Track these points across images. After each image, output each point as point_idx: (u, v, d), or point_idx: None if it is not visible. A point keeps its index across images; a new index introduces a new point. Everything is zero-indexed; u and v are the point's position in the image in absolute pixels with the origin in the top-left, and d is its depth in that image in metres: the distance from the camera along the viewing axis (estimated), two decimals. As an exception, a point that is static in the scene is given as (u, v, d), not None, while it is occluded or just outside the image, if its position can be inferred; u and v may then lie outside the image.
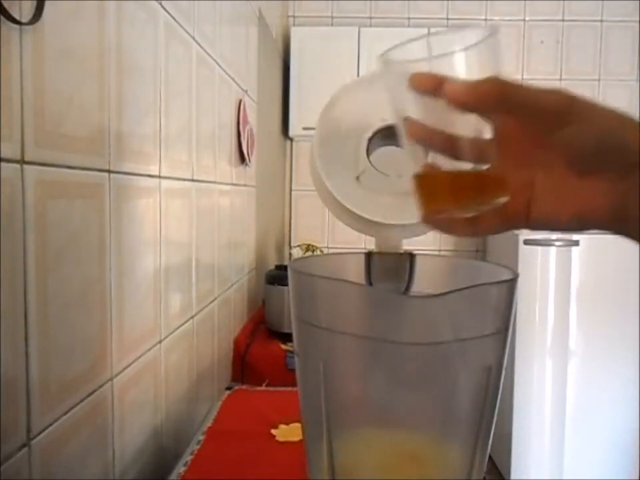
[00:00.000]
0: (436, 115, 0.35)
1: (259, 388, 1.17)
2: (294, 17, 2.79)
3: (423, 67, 0.33)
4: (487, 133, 0.35)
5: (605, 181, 0.34)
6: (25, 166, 0.51)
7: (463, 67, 0.33)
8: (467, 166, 0.35)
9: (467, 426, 0.43)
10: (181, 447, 0.88)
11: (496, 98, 0.33)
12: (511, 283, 0.42)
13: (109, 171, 0.68)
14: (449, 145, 0.35)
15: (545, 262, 2.13)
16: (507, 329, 0.42)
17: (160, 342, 0.88)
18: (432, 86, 0.33)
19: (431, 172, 0.36)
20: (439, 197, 0.36)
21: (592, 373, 2.15)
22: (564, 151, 0.35)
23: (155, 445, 0.87)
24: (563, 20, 2.79)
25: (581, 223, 0.36)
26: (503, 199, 0.35)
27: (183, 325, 1.00)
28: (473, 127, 0.35)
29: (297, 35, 2.55)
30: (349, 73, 2.47)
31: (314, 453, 0.46)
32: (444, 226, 0.38)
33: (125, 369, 0.74)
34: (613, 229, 0.36)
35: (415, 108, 0.35)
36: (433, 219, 0.38)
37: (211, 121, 1.18)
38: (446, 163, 0.36)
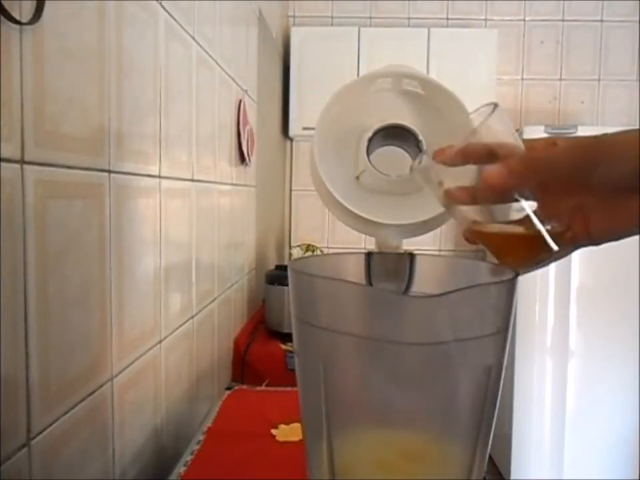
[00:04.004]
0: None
1: (258, 388, 1.17)
2: (294, 17, 2.79)
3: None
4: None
5: None
6: (25, 166, 0.51)
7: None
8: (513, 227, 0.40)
9: (466, 426, 0.43)
10: (181, 447, 0.88)
11: (530, 176, 0.38)
12: (511, 283, 0.42)
13: (109, 171, 0.68)
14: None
15: (545, 261, 2.13)
16: (507, 329, 0.42)
17: (160, 342, 0.88)
18: (458, 159, 0.40)
19: (485, 233, 0.42)
20: (502, 254, 0.43)
21: (592, 373, 2.15)
22: (601, 188, 0.39)
23: (155, 445, 0.87)
24: (563, 20, 2.79)
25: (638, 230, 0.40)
26: (553, 253, 0.40)
27: (183, 324, 1.00)
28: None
29: (296, 35, 2.55)
30: (349, 73, 2.47)
31: (314, 453, 0.46)
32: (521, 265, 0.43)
33: (125, 368, 0.74)
34: None
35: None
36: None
37: (211, 120, 1.18)
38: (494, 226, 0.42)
